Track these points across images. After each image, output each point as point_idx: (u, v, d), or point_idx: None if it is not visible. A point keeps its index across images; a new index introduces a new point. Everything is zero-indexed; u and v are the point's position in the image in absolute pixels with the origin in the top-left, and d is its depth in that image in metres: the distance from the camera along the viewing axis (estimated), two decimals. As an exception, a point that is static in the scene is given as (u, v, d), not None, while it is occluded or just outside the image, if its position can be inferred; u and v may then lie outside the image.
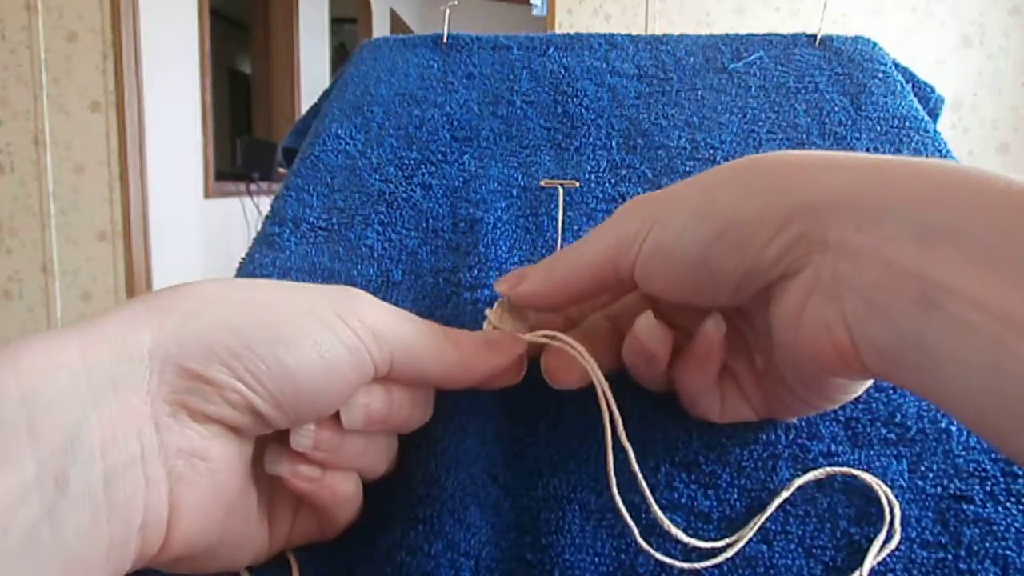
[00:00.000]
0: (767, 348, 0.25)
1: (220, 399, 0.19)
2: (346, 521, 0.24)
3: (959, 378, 0.17)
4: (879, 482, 0.26)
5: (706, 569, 0.24)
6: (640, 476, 0.24)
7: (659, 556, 0.24)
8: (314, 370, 0.20)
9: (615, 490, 0.24)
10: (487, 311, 0.27)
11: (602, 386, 0.24)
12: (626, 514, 0.24)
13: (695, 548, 0.25)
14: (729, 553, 0.24)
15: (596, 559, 0.24)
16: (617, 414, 0.24)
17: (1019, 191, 0.17)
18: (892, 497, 0.25)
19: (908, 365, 0.18)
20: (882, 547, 0.24)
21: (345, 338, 0.21)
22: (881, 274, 0.18)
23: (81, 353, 0.17)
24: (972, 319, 0.16)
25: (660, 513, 0.24)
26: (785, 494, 0.26)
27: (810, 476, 0.26)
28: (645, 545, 0.24)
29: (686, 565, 0.24)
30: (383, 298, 0.24)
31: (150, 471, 0.18)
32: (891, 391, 0.29)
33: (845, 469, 0.26)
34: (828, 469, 0.26)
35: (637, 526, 0.25)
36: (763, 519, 0.25)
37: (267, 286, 0.22)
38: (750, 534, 0.25)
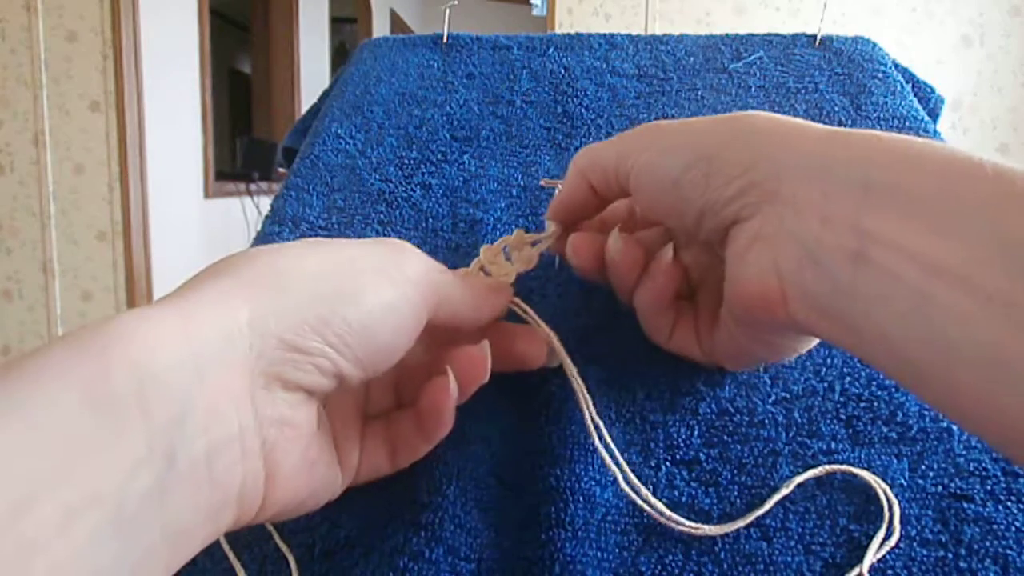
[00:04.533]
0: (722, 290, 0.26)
1: (312, 367, 0.20)
2: (421, 455, 0.26)
3: (886, 327, 0.18)
4: (878, 480, 0.26)
5: (706, 568, 0.24)
6: (607, 436, 0.24)
7: (663, 518, 0.24)
8: (386, 325, 0.21)
9: (597, 441, 0.26)
10: (483, 248, 0.30)
11: (562, 355, 0.28)
12: (612, 465, 0.24)
13: (685, 530, 0.25)
14: (724, 528, 0.24)
15: (599, 553, 0.24)
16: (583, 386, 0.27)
17: (961, 157, 0.18)
18: (891, 495, 0.25)
19: (835, 315, 0.20)
20: (881, 544, 0.24)
21: (408, 291, 0.22)
22: (821, 227, 0.20)
23: (183, 330, 0.17)
24: (901, 269, 0.17)
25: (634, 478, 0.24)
26: (785, 491, 0.26)
27: (810, 474, 0.26)
28: (631, 492, 0.24)
29: (692, 526, 0.24)
30: None
31: (247, 444, 0.18)
32: (893, 390, 0.29)
33: (844, 467, 0.26)
34: (828, 467, 0.26)
35: (638, 522, 0.25)
36: (761, 512, 0.25)
37: (326, 248, 0.23)
38: (743, 523, 0.25)
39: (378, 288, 0.22)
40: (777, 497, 0.26)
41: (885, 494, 0.25)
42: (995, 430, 0.17)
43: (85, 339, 0.16)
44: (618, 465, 0.26)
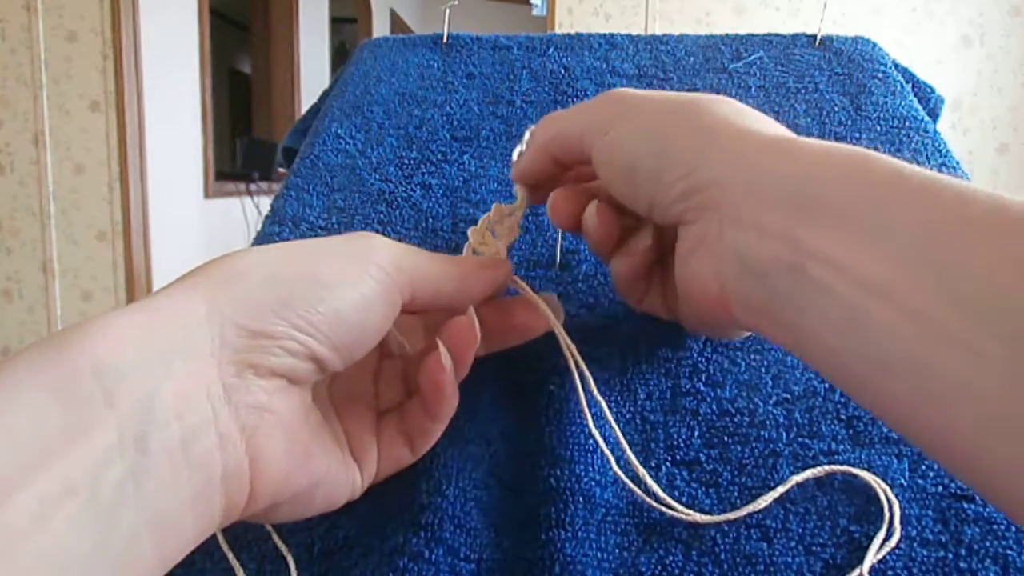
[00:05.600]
0: None
1: (281, 350, 0.20)
2: (436, 438, 0.26)
3: (824, 337, 0.18)
4: (878, 480, 0.26)
5: (706, 569, 0.24)
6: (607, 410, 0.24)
7: (668, 507, 0.24)
8: (356, 307, 0.22)
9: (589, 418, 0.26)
10: (469, 231, 0.30)
11: (564, 339, 0.28)
12: (601, 440, 0.24)
13: (677, 515, 0.25)
14: (716, 519, 0.24)
15: (599, 553, 0.24)
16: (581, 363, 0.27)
17: (893, 170, 0.18)
18: (891, 495, 0.25)
19: (777, 321, 0.20)
20: (882, 545, 0.24)
21: (373, 273, 0.22)
22: (758, 238, 0.20)
23: (144, 329, 0.18)
24: (835, 282, 0.18)
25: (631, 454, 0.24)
26: (781, 489, 0.26)
27: (808, 474, 0.26)
28: (620, 473, 0.24)
29: (684, 511, 0.24)
30: None
31: (223, 428, 0.18)
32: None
33: (844, 468, 0.26)
34: (827, 467, 0.26)
35: (638, 522, 0.25)
36: (754, 509, 0.25)
37: (297, 243, 0.23)
38: (736, 515, 0.25)
39: (340, 269, 0.22)
40: (774, 494, 0.26)
41: (885, 494, 0.25)
42: (927, 442, 0.17)
43: (54, 342, 0.17)
44: (617, 447, 0.26)
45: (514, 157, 0.31)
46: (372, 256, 0.23)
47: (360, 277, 0.22)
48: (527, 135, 0.30)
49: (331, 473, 0.23)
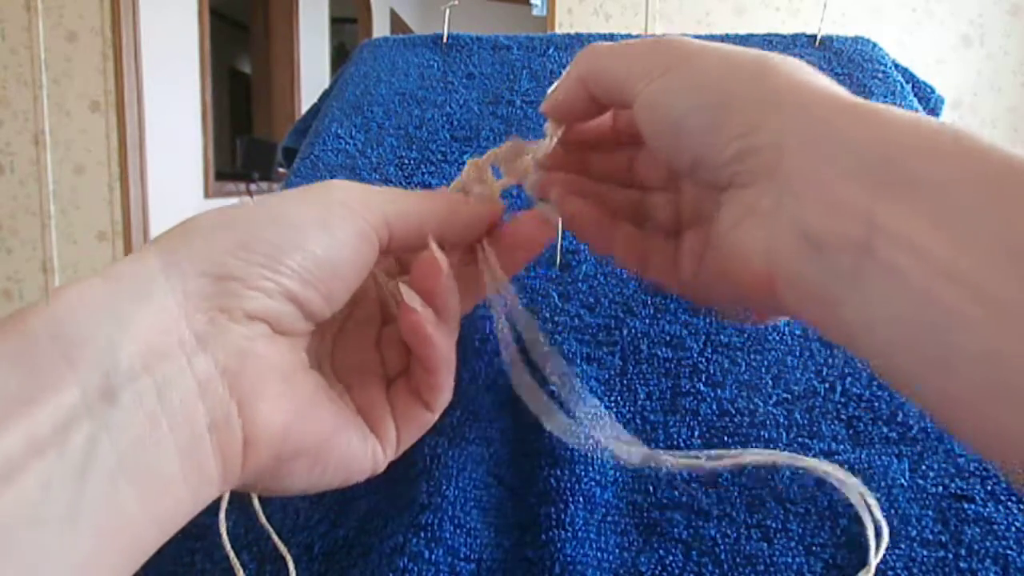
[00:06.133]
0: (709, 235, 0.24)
1: (254, 291, 0.19)
2: (448, 388, 0.24)
3: (883, 325, 0.17)
4: (848, 475, 0.26)
5: (707, 569, 0.24)
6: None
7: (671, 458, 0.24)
8: (325, 243, 0.20)
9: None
10: (469, 162, 0.27)
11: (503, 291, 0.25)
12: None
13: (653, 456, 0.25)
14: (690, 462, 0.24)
15: (599, 554, 0.24)
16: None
17: (998, 151, 0.16)
18: (867, 494, 0.25)
19: (829, 307, 0.18)
20: (877, 544, 0.24)
21: (337, 210, 0.21)
22: (825, 211, 0.18)
23: (102, 293, 0.18)
24: (908, 266, 0.16)
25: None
26: (747, 458, 0.26)
27: (767, 458, 0.26)
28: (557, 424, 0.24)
29: (669, 453, 0.24)
30: None
31: (201, 375, 0.18)
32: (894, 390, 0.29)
33: (807, 462, 0.26)
34: (788, 456, 0.26)
35: (638, 522, 0.25)
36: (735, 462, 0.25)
37: (255, 198, 0.23)
38: (708, 464, 0.25)
39: (315, 214, 0.21)
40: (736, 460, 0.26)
41: (862, 497, 0.25)
42: (990, 443, 0.16)
43: (12, 316, 0.17)
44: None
45: (549, 92, 0.27)
46: (332, 194, 0.22)
47: (323, 214, 0.21)
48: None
49: (343, 437, 0.22)
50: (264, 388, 0.19)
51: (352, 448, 0.22)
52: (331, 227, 0.21)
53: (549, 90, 0.27)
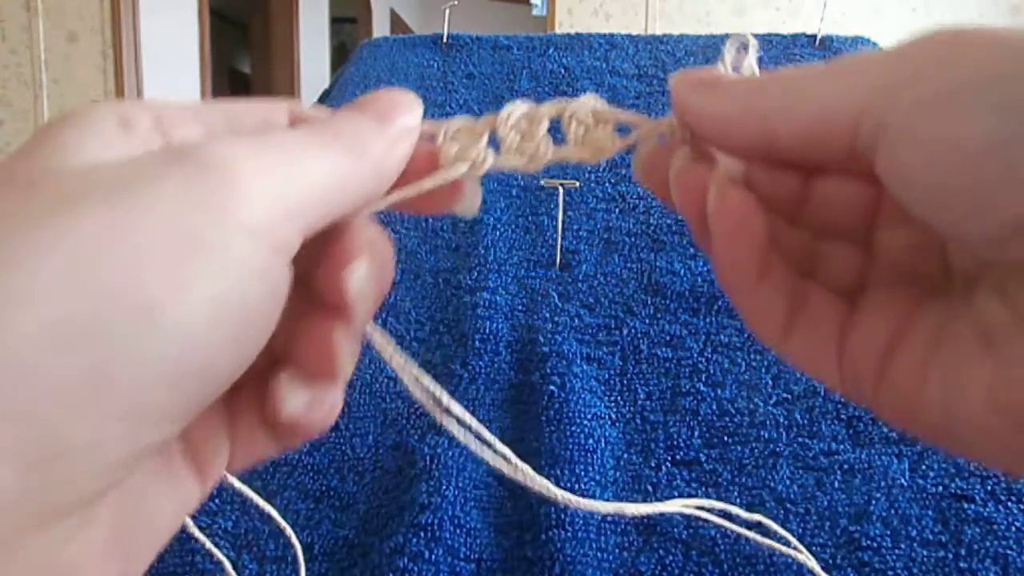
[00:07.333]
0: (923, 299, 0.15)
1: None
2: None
3: None
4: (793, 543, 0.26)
5: (706, 569, 0.24)
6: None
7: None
8: (201, 345, 0.12)
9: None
10: (511, 108, 0.18)
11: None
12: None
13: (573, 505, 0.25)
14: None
15: (599, 553, 0.24)
16: None
17: None
18: (804, 550, 0.25)
19: None
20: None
21: (237, 252, 0.12)
22: None
23: None
24: None
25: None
26: (668, 508, 0.26)
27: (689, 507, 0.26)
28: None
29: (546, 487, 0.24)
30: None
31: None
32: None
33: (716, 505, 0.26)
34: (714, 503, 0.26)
35: (638, 522, 0.25)
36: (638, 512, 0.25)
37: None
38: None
39: (167, 272, 0.11)
40: (663, 507, 0.26)
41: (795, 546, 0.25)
42: None
43: None
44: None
45: (721, 69, 0.17)
46: (233, 213, 0.12)
47: (217, 269, 0.12)
48: (726, 49, 0.17)
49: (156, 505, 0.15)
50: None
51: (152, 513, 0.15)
52: (231, 303, 0.12)
53: (720, 68, 0.17)
